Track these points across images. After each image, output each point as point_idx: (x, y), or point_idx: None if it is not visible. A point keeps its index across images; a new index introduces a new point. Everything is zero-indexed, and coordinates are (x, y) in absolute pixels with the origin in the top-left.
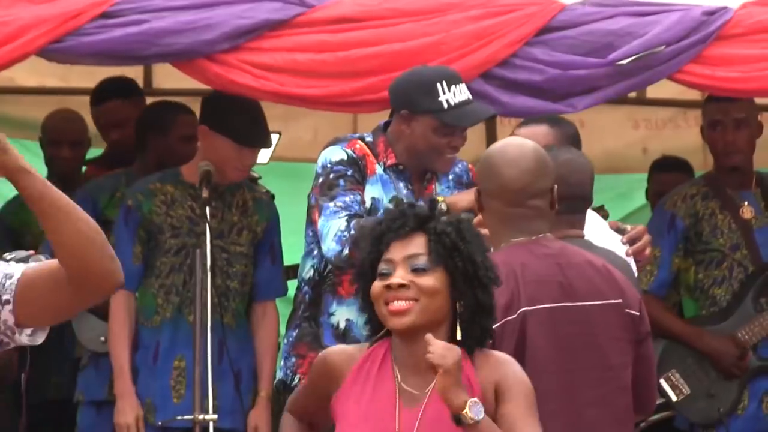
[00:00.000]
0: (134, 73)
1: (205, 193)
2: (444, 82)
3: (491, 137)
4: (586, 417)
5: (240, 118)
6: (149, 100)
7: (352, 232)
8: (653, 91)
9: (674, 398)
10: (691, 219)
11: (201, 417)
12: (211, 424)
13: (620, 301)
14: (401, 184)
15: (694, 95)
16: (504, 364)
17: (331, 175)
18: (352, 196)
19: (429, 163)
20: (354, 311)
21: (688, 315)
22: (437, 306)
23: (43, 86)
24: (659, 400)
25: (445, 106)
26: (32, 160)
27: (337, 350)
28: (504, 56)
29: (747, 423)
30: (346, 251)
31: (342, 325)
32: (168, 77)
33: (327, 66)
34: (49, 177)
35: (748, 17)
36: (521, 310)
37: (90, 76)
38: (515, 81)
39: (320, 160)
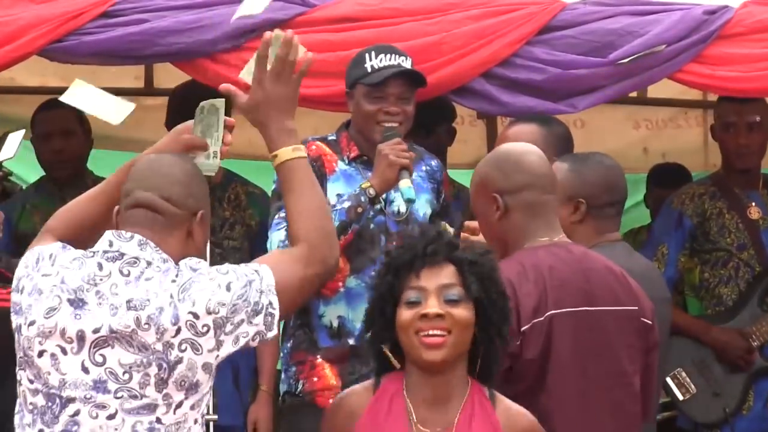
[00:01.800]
0: (135, 72)
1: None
2: (372, 52)
3: (491, 137)
4: (601, 422)
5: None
6: (151, 99)
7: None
8: (654, 91)
9: (681, 397)
10: (698, 218)
11: None
12: (211, 424)
13: (636, 308)
14: (369, 174)
15: (695, 95)
16: (523, 419)
17: None
18: None
19: (370, 136)
20: (343, 307)
21: (692, 314)
22: (467, 339)
23: (44, 86)
24: (663, 399)
25: (369, 70)
26: (33, 160)
27: (347, 395)
28: (505, 56)
29: (752, 423)
30: None
31: (335, 324)
32: (169, 77)
33: (328, 66)
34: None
35: (748, 16)
36: (548, 313)
37: (91, 75)
38: (516, 80)
39: None
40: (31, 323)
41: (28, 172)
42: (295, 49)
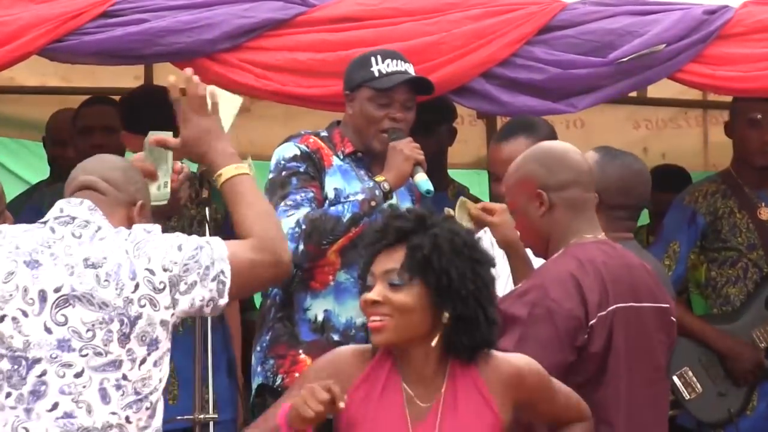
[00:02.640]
0: (135, 72)
1: (204, 194)
2: (378, 56)
3: (491, 137)
4: (644, 416)
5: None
6: None
7: (303, 227)
8: (654, 91)
9: (687, 396)
10: (711, 216)
11: (201, 416)
12: (211, 423)
13: (668, 306)
14: (362, 172)
15: (695, 95)
16: (507, 366)
17: (284, 173)
18: (303, 194)
19: (369, 141)
20: (331, 301)
21: (697, 312)
22: (414, 322)
23: (44, 86)
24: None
25: (377, 74)
26: (33, 160)
27: (348, 351)
28: (504, 55)
29: (756, 423)
30: (301, 246)
31: (320, 318)
32: (169, 77)
33: (327, 65)
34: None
35: (748, 16)
36: (611, 307)
37: (91, 75)
38: (516, 80)
39: (273, 158)
40: None
41: (28, 171)
42: (198, 84)
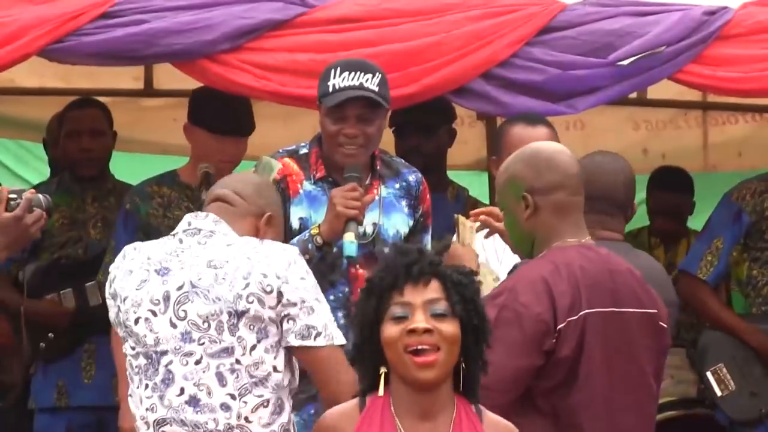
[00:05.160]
0: (135, 73)
1: (204, 195)
2: (338, 68)
3: (491, 138)
4: (623, 422)
5: (212, 108)
6: (150, 100)
7: None
8: (654, 92)
9: (719, 393)
10: (756, 215)
11: None
12: None
13: (655, 311)
14: None
15: (695, 96)
16: (503, 427)
17: None
18: None
19: (332, 155)
20: None
21: (737, 310)
22: (455, 356)
23: (43, 87)
24: (688, 394)
25: (330, 89)
26: (33, 161)
27: (335, 413)
28: (504, 56)
29: None
30: None
31: None
32: (169, 78)
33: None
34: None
35: (748, 17)
36: (583, 312)
37: (91, 76)
38: (515, 81)
39: None
40: (125, 298)
41: (29, 172)
42: None
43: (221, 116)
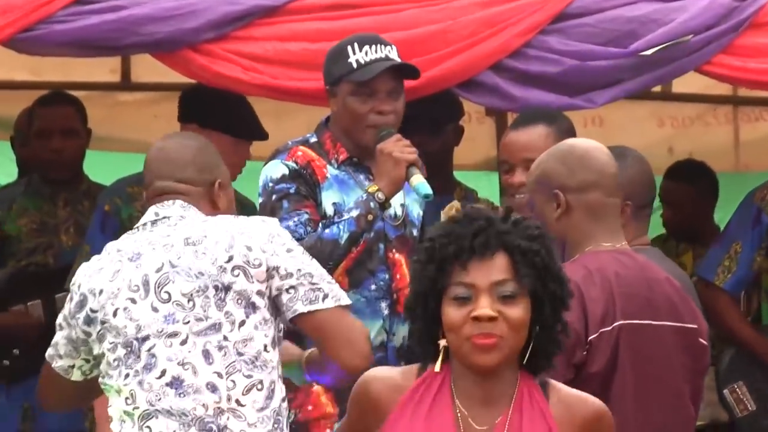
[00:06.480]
0: (111, 64)
1: None
2: (355, 44)
3: (501, 135)
4: None
5: (233, 111)
6: (128, 95)
7: None
8: (679, 86)
9: (738, 414)
10: None
11: None
12: None
13: (695, 327)
14: (362, 177)
15: (725, 90)
16: (584, 407)
17: (274, 197)
18: (296, 218)
19: (359, 139)
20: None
21: (766, 321)
22: (522, 339)
23: (11, 80)
24: (719, 418)
25: (355, 66)
26: (1, 160)
27: (380, 377)
28: (516, 46)
29: None
30: None
31: None
32: (148, 70)
33: (323, 57)
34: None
35: None
36: (617, 323)
37: (63, 68)
38: (528, 73)
39: (261, 178)
40: (100, 291)
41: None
42: None
43: (246, 120)
